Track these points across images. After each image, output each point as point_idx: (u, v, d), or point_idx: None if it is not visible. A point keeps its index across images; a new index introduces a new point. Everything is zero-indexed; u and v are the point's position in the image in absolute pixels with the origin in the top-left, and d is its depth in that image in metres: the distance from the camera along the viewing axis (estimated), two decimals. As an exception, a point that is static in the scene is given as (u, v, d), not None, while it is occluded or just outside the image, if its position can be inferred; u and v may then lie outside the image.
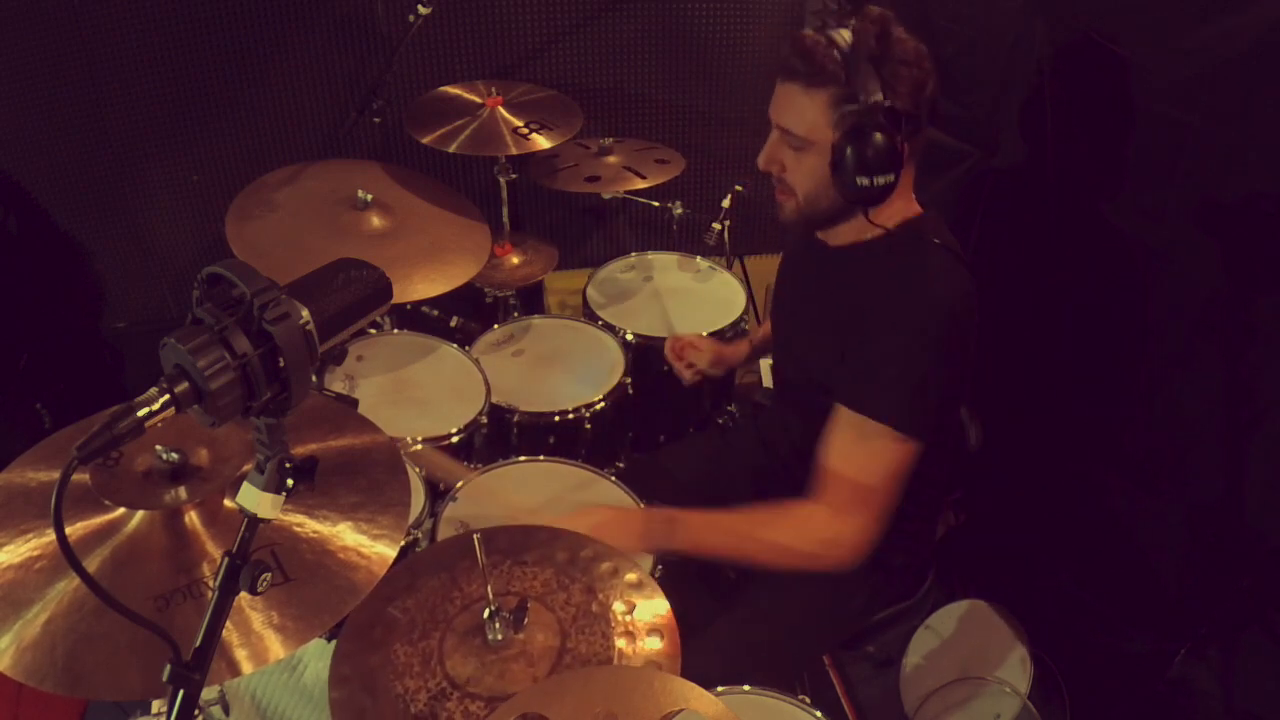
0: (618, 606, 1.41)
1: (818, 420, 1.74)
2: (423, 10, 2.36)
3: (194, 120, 2.86)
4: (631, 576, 1.46)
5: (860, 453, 1.49)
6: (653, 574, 1.67)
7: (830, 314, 1.65)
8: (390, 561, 1.23)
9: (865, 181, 1.41)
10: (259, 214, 2.17)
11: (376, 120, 2.51)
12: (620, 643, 1.36)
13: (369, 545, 1.23)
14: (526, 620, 1.37)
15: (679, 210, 2.77)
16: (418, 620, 1.40)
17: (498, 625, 1.36)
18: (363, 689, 1.30)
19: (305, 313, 0.87)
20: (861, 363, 1.50)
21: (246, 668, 1.11)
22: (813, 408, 1.71)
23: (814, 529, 1.52)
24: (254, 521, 0.94)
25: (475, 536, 1.38)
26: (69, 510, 1.21)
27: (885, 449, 1.47)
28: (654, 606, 1.41)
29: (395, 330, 2.38)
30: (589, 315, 2.50)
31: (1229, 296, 1.58)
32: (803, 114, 1.47)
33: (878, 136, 1.39)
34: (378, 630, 1.39)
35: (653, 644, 1.36)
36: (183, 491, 1.21)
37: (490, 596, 1.36)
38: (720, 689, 1.52)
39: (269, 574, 0.94)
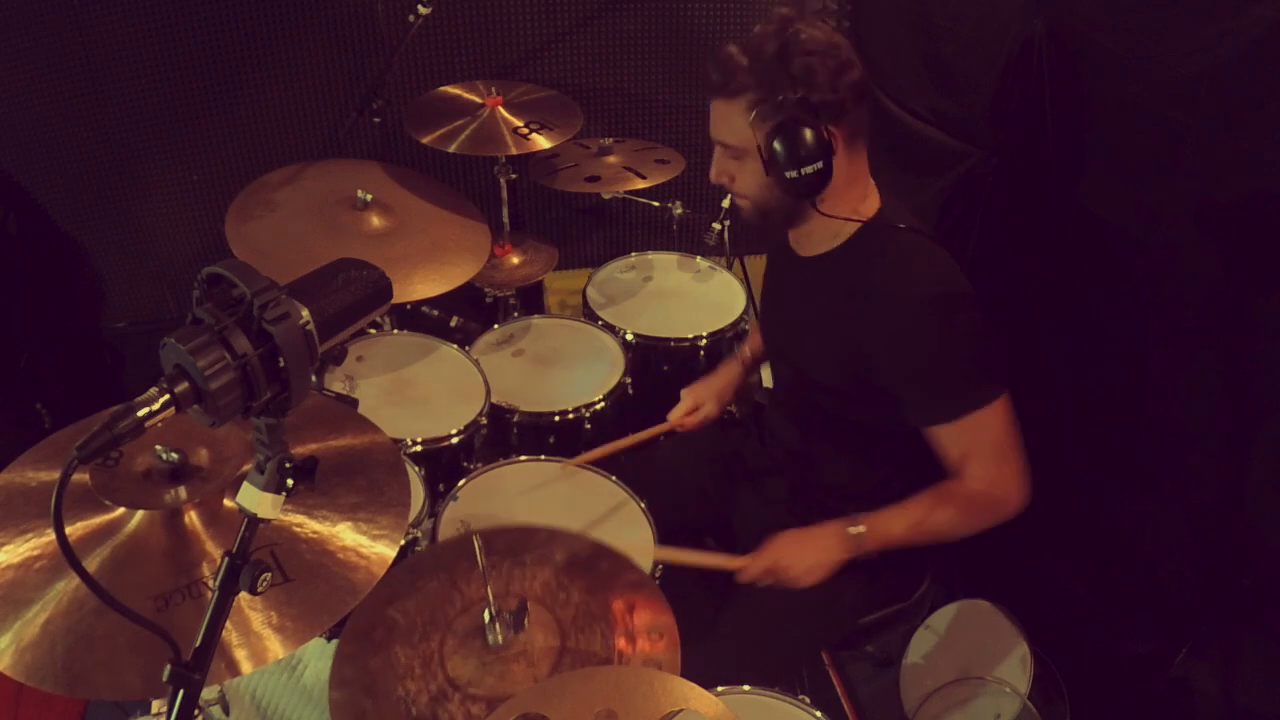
0: (618, 607, 1.41)
1: (813, 417, 1.75)
2: (423, 10, 2.36)
3: (194, 120, 2.86)
4: (631, 577, 1.46)
5: (973, 440, 1.56)
6: (652, 574, 1.67)
7: (817, 322, 1.68)
8: (390, 561, 1.23)
9: (794, 174, 1.47)
10: (259, 214, 2.17)
11: (376, 120, 2.51)
12: (620, 643, 1.36)
13: (369, 545, 1.24)
14: (527, 621, 1.37)
15: (679, 210, 2.77)
16: (418, 622, 1.40)
17: (498, 627, 1.36)
18: (364, 691, 1.30)
19: (305, 313, 0.87)
20: (907, 386, 1.57)
21: (246, 668, 1.11)
22: (808, 405, 1.72)
23: (978, 500, 1.58)
24: (254, 521, 0.94)
25: (475, 538, 1.38)
26: (69, 510, 1.21)
27: (985, 424, 1.54)
28: (654, 607, 1.41)
29: (395, 330, 2.39)
30: (589, 315, 2.50)
31: (1229, 296, 1.57)
32: (729, 124, 1.54)
33: (797, 129, 1.45)
34: (378, 632, 1.39)
35: (653, 644, 1.36)
36: (183, 491, 1.22)
37: (490, 598, 1.36)
38: (720, 689, 1.52)
39: (269, 574, 0.94)
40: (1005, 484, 1.57)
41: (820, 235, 1.64)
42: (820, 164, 1.47)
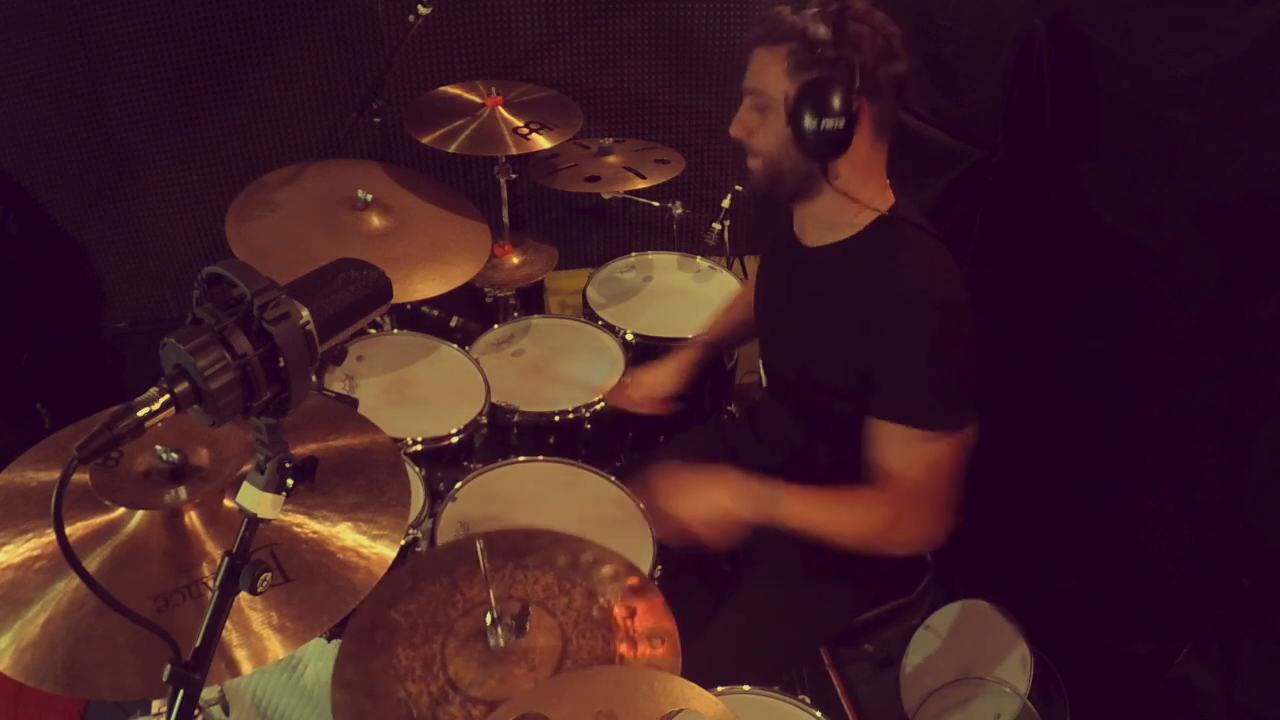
0: (619, 611, 1.41)
1: (813, 415, 1.74)
2: (423, 10, 2.36)
3: (194, 120, 2.86)
4: (632, 582, 1.46)
5: (914, 458, 1.51)
6: (652, 574, 1.67)
7: (819, 318, 1.66)
8: (390, 562, 1.23)
9: (814, 125, 1.44)
10: (259, 214, 2.17)
11: (376, 120, 2.51)
12: (621, 648, 1.36)
13: (368, 545, 1.24)
14: (528, 625, 1.37)
15: (679, 210, 2.77)
16: (420, 624, 1.40)
17: (500, 630, 1.36)
18: (365, 693, 1.30)
19: (305, 313, 0.87)
20: (887, 376, 1.53)
21: (246, 668, 1.11)
22: (808, 403, 1.71)
23: (882, 520, 1.54)
24: (254, 521, 0.94)
25: (478, 543, 1.38)
26: (69, 510, 1.21)
27: (937, 451, 1.50)
28: (655, 612, 1.41)
29: (395, 330, 2.38)
30: (589, 315, 2.50)
31: (1229, 296, 1.57)
32: (765, 72, 1.52)
33: (829, 83, 1.43)
34: (380, 634, 1.39)
35: (654, 649, 1.36)
36: (183, 491, 1.22)
37: (492, 601, 1.36)
38: (720, 689, 1.52)
39: (269, 574, 0.94)
40: (913, 522, 1.53)
41: (830, 220, 1.61)
42: (842, 123, 1.44)
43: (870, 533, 1.56)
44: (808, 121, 1.45)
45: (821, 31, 1.45)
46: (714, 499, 1.58)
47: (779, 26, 1.49)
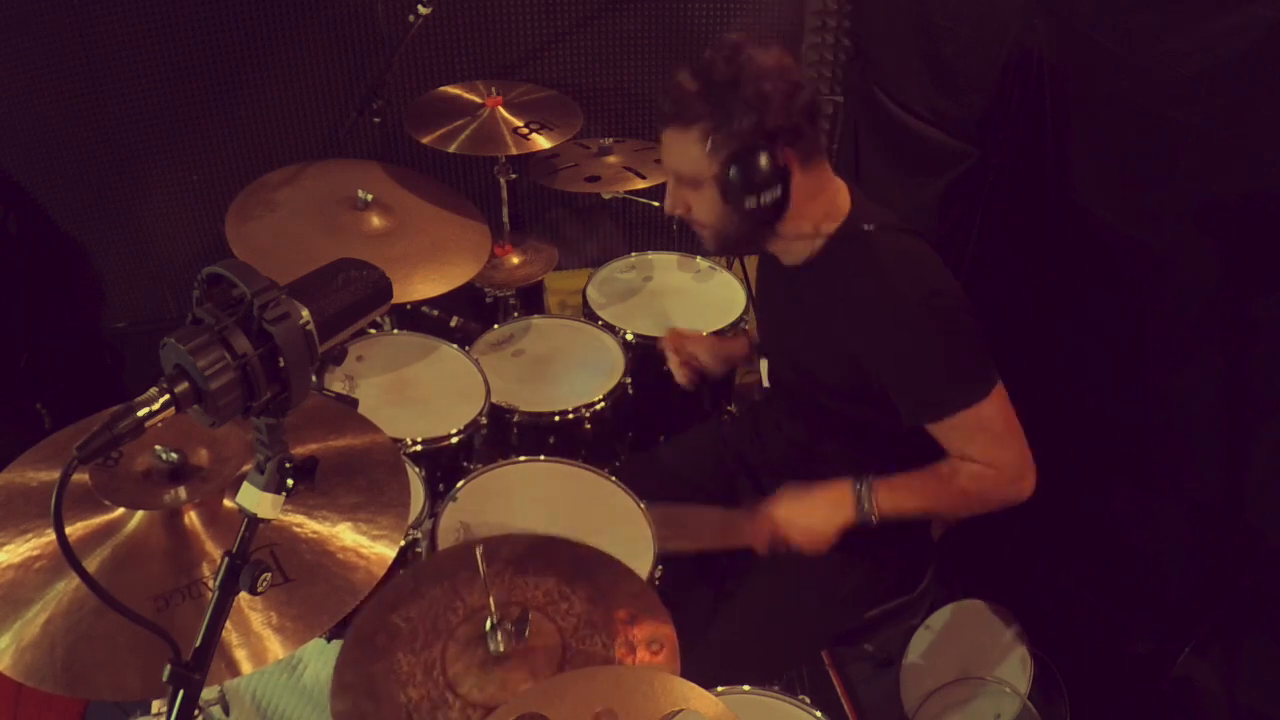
0: (619, 617, 1.41)
1: (813, 416, 1.75)
2: (423, 10, 2.36)
3: (194, 120, 2.86)
4: (632, 587, 1.46)
5: (968, 435, 1.54)
6: (653, 575, 1.67)
7: (812, 327, 1.68)
8: (389, 562, 1.23)
9: (754, 202, 1.47)
10: (259, 214, 2.17)
11: (376, 120, 2.51)
12: (621, 653, 1.36)
13: (368, 546, 1.23)
14: (528, 631, 1.37)
15: (679, 210, 2.77)
16: (420, 629, 1.40)
17: (499, 635, 1.36)
18: (366, 696, 1.30)
19: (305, 313, 0.87)
20: (899, 384, 1.55)
21: (246, 668, 1.11)
22: (808, 405, 1.72)
23: (988, 481, 1.56)
24: (254, 521, 0.94)
25: (477, 548, 1.38)
26: (69, 510, 1.21)
27: (987, 413, 1.52)
28: (654, 618, 1.41)
29: (395, 330, 2.38)
30: (589, 315, 2.50)
31: (1229, 296, 1.58)
32: (684, 154, 1.52)
33: (753, 156, 1.45)
34: (380, 638, 1.38)
35: (653, 655, 1.36)
36: (183, 491, 1.22)
37: (492, 606, 1.36)
38: (720, 689, 1.52)
39: (269, 574, 0.94)
40: (1008, 469, 1.56)
41: (796, 247, 1.63)
42: (778, 190, 1.47)
43: (980, 497, 1.58)
44: (746, 201, 1.47)
45: (727, 102, 1.44)
46: (826, 525, 1.60)
47: (684, 106, 1.48)
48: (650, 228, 3.25)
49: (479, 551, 1.37)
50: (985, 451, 1.55)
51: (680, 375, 2.07)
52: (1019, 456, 1.56)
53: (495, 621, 1.36)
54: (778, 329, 1.84)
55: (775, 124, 1.45)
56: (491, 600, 1.36)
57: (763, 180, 1.46)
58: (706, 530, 1.75)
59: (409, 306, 2.46)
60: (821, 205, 1.60)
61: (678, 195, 1.59)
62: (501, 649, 1.35)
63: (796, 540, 1.61)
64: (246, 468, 1.00)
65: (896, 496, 1.59)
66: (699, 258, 2.72)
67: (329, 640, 1.65)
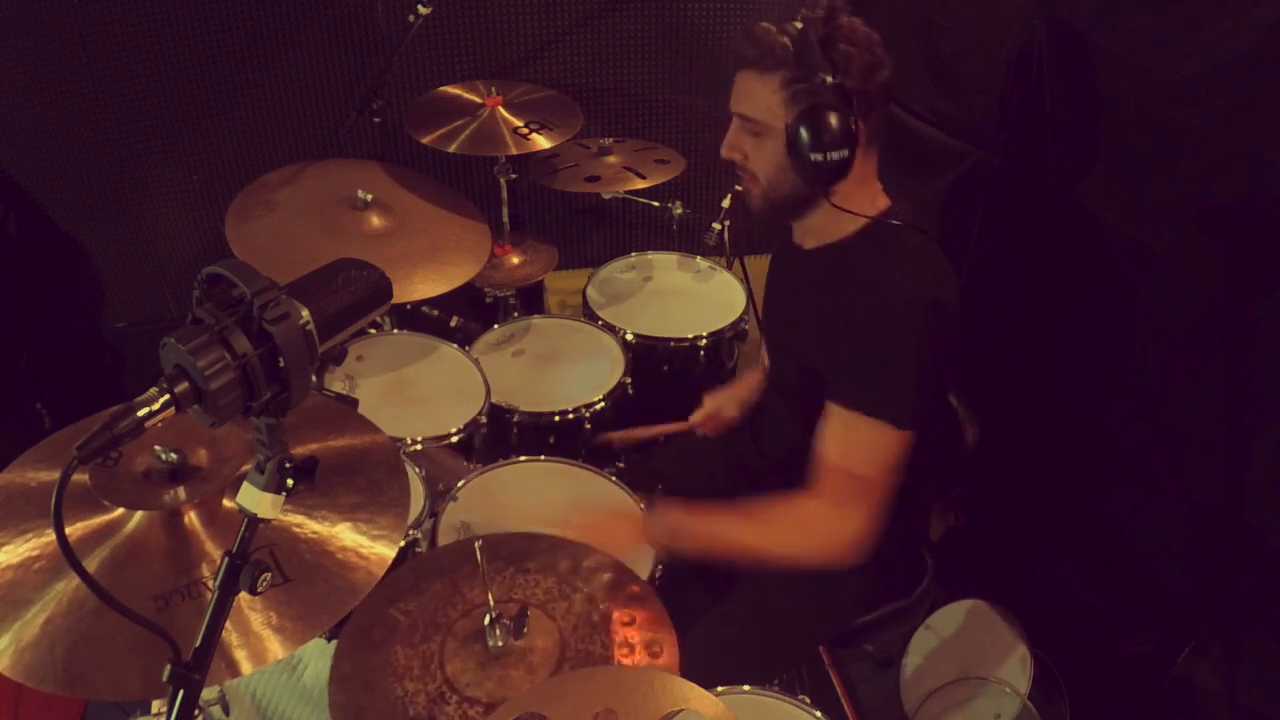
0: (619, 617, 1.41)
1: (812, 418, 1.75)
2: (423, 10, 2.36)
3: (194, 120, 2.86)
4: (632, 588, 1.46)
5: (856, 447, 1.51)
6: (653, 575, 1.67)
7: (814, 316, 1.67)
8: (389, 562, 1.23)
9: (819, 158, 1.45)
10: (259, 214, 2.17)
11: (376, 120, 2.51)
12: (620, 653, 1.36)
13: (368, 546, 1.23)
14: (527, 628, 1.37)
15: (679, 210, 2.77)
16: (419, 623, 1.40)
17: (498, 631, 1.36)
18: (362, 689, 1.31)
19: (305, 313, 0.87)
20: (849, 359, 1.52)
21: (246, 668, 1.11)
22: (807, 406, 1.71)
23: (814, 523, 1.53)
24: (254, 521, 0.94)
25: (477, 544, 1.38)
26: (69, 510, 1.21)
27: (880, 442, 1.49)
28: (654, 620, 1.41)
29: (395, 330, 2.38)
30: (589, 315, 2.50)
31: (1229, 296, 1.58)
32: (757, 99, 1.51)
33: (829, 114, 1.43)
34: (378, 631, 1.39)
35: (653, 656, 1.36)
36: (182, 491, 1.21)
37: (491, 603, 1.36)
38: (720, 689, 1.52)
39: (269, 574, 0.94)
40: (848, 522, 1.51)
41: (827, 228, 1.62)
42: (846, 152, 1.45)
43: (799, 542, 1.54)
44: (812, 154, 1.44)
45: (814, 58, 1.43)
46: (619, 541, 1.60)
47: (769, 52, 1.48)
48: (650, 228, 3.25)
49: (478, 546, 1.37)
50: (853, 478, 1.50)
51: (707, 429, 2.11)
52: (867, 514, 1.50)
53: (493, 617, 1.36)
54: (786, 322, 1.83)
55: (855, 88, 1.45)
56: (490, 595, 1.36)
57: (832, 140, 1.43)
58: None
59: (409, 306, 2.47)
60: (866, 193, 1.59)
61: (738, 140, 1.58)
62: (499, 645, 1.35)
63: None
64: (246, 468, 1.00)
65: (697, 527, 1.58)
66: (699, 258, 2.72)
67: (329, 640, 1.65)
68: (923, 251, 1.57)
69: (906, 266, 1.53)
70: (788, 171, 1.51)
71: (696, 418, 2.09)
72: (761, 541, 1.56)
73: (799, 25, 1.47)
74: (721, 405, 2.08)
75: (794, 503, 1.55)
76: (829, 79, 1.43)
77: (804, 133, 1.44)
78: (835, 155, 1.44)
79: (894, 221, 1.57)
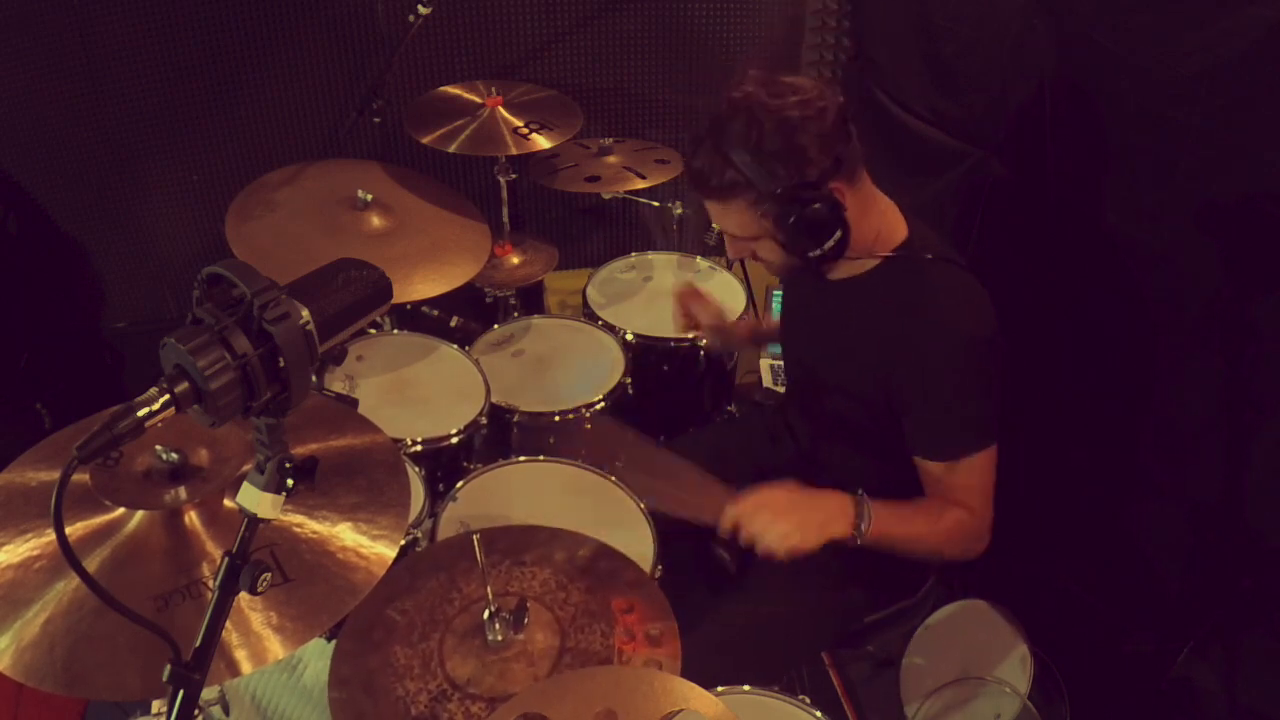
0: (618, 607, 1.41)
1: (827, 426, 1.75)
2: (423, 10, 2.36)
3: (194, 120, 2.86)
4: (631, 577, 1.46)
5: (969, 478, 1.56)
6: (653, 573, 1.67)
7: (844, 343, 1.67)
8: (390, 562, 1.23)
9: (817, 251, 1.46)
10: (259, 214, 2.17)
11: (376, 120, 2.51)
12: (620, 643, 1.36)
13: (368, 545, 1.23)
14: (526, 620, 1.37)
15: (679, 210, 2.77)
16: (417, 621, 1.40)
17: (497, 626, 1.36)
18: (363, 691, 1.31)
19: (305, 313, 0.87)
20: (917, 413, 1.56)
21: (246, 668, 1.11)
22: (826, 411, 1.71)
23: (968, 528, 1.58)
24: (254, 521, 0.94)
25: (474, 537, 1.38)
26: (69, 510, 1.21)
27: (980, 464, 1.55)
28: (654, 608, 1.41)
29: (395, 330, 2.38)
30: (589, 315, 2.50)
31: (1229, 296, 1.58)
32: (734, 220, 1.52)
33: (806, 212, 1.42)
34: (377, 631, 1.39)
35: (652, 646, 1.36)
36: (183, 491, 1.21)
37: (490, 597, 1.36)
38: (720, 689, 1.52)
39: (269, 574, 0.94)
40: (985, 525, 1.58)
41: (847, 264, 1.60)
42: (839, 233, 1.44)
43: (953, 545, 1.59)
44: (809, 252, 1.46)
45: (763, 172, 1.41)
46: (811, 529, 1.50)
47: (720, 185, 1.45)
48: (650, 228, 3.25)
49: (476, 540, 1.37)
50: (970, 498, 1.56)
51: (677, 324, 2.12)
52: (990, 516, 1.59)
53: (493, 611, 1.36)
54: (809, 345, 1.82)
55: (817, 170, 1.42)
56: (489, 590, 1.36)
57: (822, 229, 1.43)
58: (685, 494, 1.67)
59: (409, 306, 2.47)
60: (873, 222, 1.57)
61: (739, 248, 1.59)
62: (499, 639, 1.35)
63: (768, 540, 1.48)
64: (246, 468, 1.00)
65: (889, 521, 1.54)
66: (699, 258, 2.72)
67: (329, 640, 1.65)
68: (957, 284, 1.57)
69: (946, 305, 1.53)
70: (796, 259, 1.50)
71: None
72: (937, 541, 1.59)
73: (732, 141, 1.42)
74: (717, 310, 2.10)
75: (948, 509, 1.57)
76: (788, 179, 1.41)
77: (790, 238, 1.45)
78: (830, 242, 1.45)
79: (917, 253, 1.57)
